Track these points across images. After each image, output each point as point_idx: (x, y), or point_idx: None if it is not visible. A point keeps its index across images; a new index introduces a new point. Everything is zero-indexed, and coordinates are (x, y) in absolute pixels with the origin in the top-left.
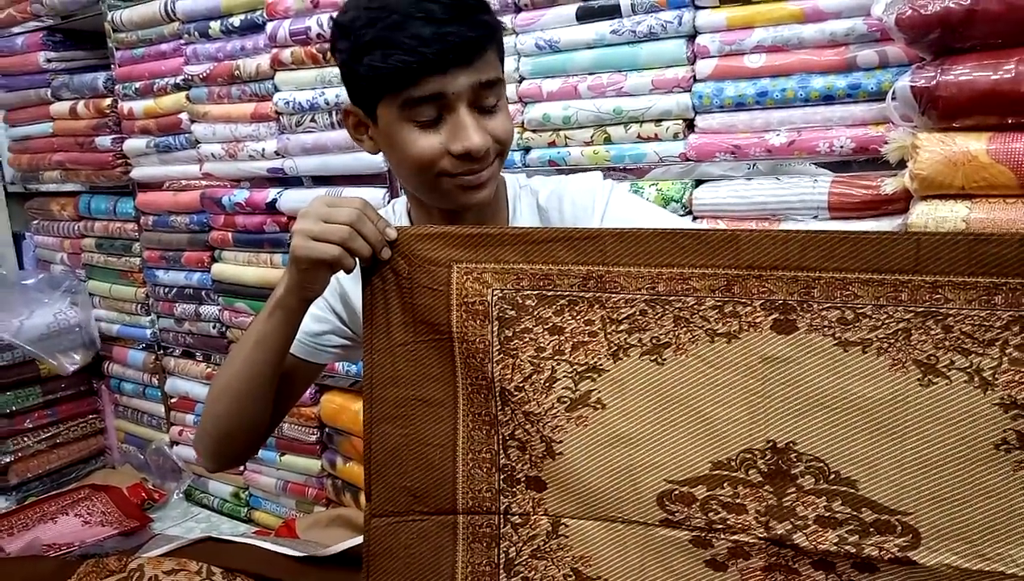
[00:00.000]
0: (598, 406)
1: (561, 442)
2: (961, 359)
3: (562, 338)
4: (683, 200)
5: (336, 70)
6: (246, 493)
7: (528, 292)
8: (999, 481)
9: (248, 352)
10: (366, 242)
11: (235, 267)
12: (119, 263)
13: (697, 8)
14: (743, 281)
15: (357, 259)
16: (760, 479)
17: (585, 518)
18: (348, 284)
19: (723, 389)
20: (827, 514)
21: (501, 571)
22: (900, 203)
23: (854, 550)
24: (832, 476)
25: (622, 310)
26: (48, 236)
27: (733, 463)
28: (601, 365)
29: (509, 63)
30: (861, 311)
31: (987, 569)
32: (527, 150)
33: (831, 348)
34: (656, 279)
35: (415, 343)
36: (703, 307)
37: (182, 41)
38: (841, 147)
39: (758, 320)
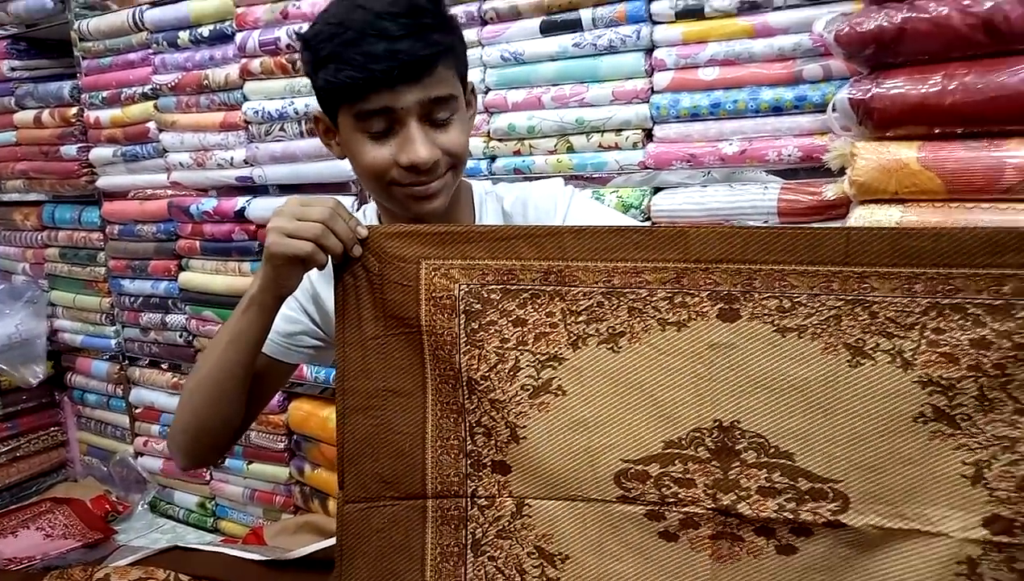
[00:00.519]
0: (559, 393)
1: (524, 427)
2: (885, 342)
3: (525, 329)
4: (642, 206)
5: (305, 80)
6: (212, 503)
7: (493, 287)
8: (917, 450)
9: (223, 349)
10: (338, 239)
11: (203, 276)
12: (83, 273)
13: (654, 23)
14: (691, 274)
15: (329, 257)
16: (708, 455)
17: (547, 498)
18: (320, 286)
19: (673, 374)
20: (768, 485)
21: (468, 551)
22: (842, 208)
23: (791, 516)
24: (772, 450)
25: (581, 302)
26: (10, 246)
27: (683, 442)
28: (561, 354)
29: (475, 74)
30: (797, 300)
31: (906, 528)
32: (493, 159)
33: (770, 334)
34: (612, 273)
35: (385, 336)
36: (655, 298)
37: (150, 51)
38: (789, 156)
39: (705, 310)
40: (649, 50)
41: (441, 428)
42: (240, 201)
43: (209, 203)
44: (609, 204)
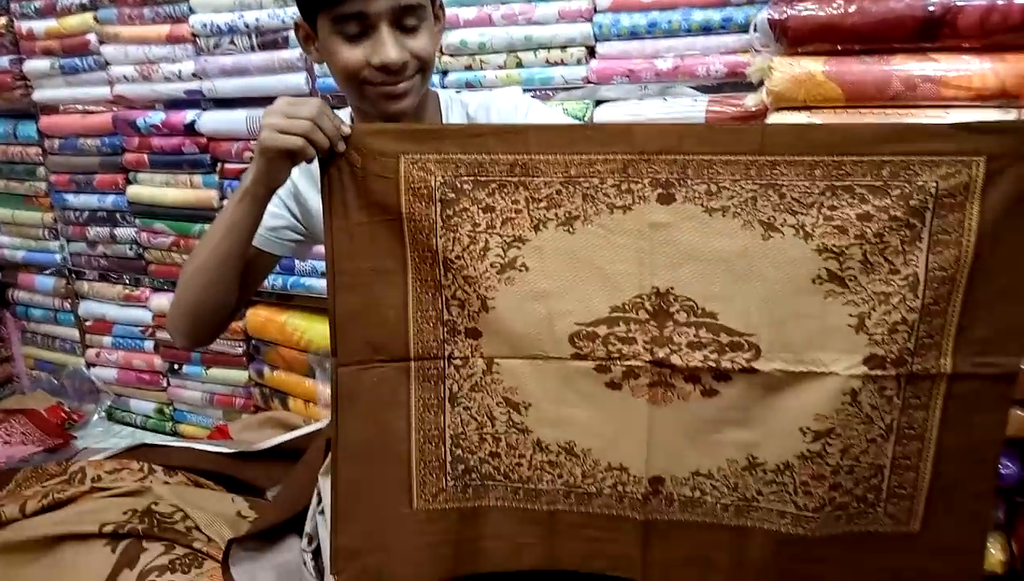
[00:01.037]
0: (523, 269)
1: (493, 299)
2: (791, 218)
3: (493, 215)
4: (585, 118)
5: None
6: (170, 408)
7: (465, 178)
8: (815, 306)
9: (220, 236)
10: (325, 136)
11: (152, 189)
12: (22, 188)
13: None
14: (635, 164)
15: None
16: (647, 317)
17: (513, 357)
18: (302, 185)
19: (619, 250)
20: (696, 339)
21: (447, 403)
22: (760, 117)
23: (714, 365)
24: (700, 311)
25: (542, 190)
26: None
27: (627, 306)
28: (525, 236)
29: None
30: (722, 185)
31: (804, 371)
32: (445, 73)
33: (700, 214)
34: (568, 165)
35: (369, 223)
36: (605, 186)
37: None
38: (716, 71)
39: (646, 194)
40: None
41: (421, 301)
42: (190, 114)
43: (157, 116)
44: None
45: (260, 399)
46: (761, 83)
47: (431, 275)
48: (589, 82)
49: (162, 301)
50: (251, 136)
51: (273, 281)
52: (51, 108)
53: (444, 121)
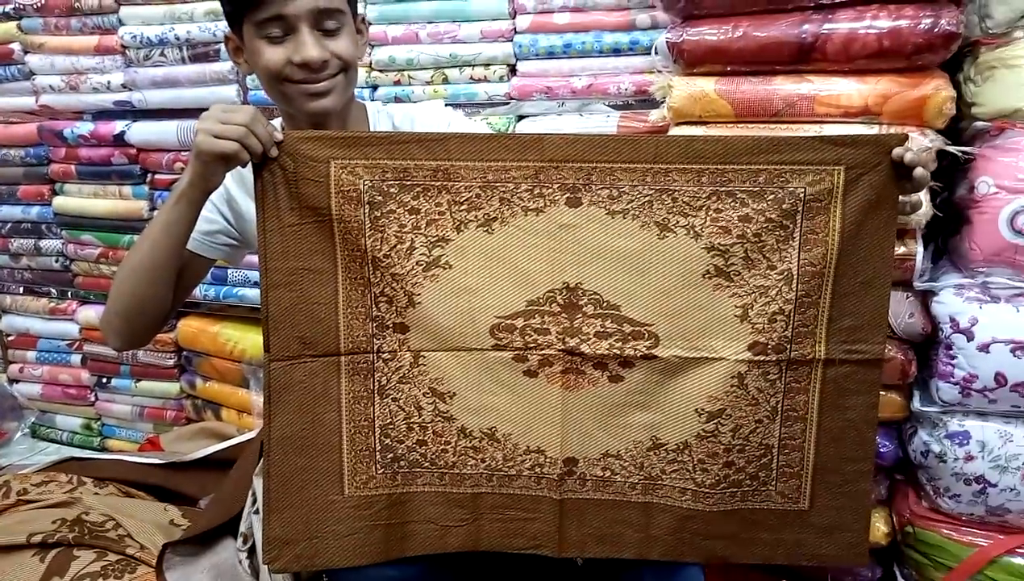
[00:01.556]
0: (446, 266)
1: (419, 295)
2: (683, 220)
3: (418, 217)
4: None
5: (186, 7)
6: (98, 423)
7: (391, 182)
8: (705, 298)
9: (155, 237)
10: (259, 141)
11: (80, 200)
12: None
13: None
14: (546, 170)
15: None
16: (559, 309)
17: (438, 350)
18: (234, 191)
19: (533, 249)
20: (602, 330)
21: (376, 395)
22: (664, 131)
23: (619, 352)
24: (605, 304)
25: (463, 194)
26: None
27: (540, 300)
28: (448, 236)
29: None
30: (622, 190)
31: (697, 356)
32: (375, 88)
33: (603, 216)
34: (487, 170)
35: (301, 224)
36: (519, 190)
37: None
38: (625, 89)
39: (556, 198)
40: None
41: (351, 298)
42: (119, 125)
43: (85, 127)
44: None
45: (192, 411)
46: (664, 100)
47: (360, 274)
48: (511, 98)
49: (90, 314)
50: (182, 147)
51: (206, 291)
52: None
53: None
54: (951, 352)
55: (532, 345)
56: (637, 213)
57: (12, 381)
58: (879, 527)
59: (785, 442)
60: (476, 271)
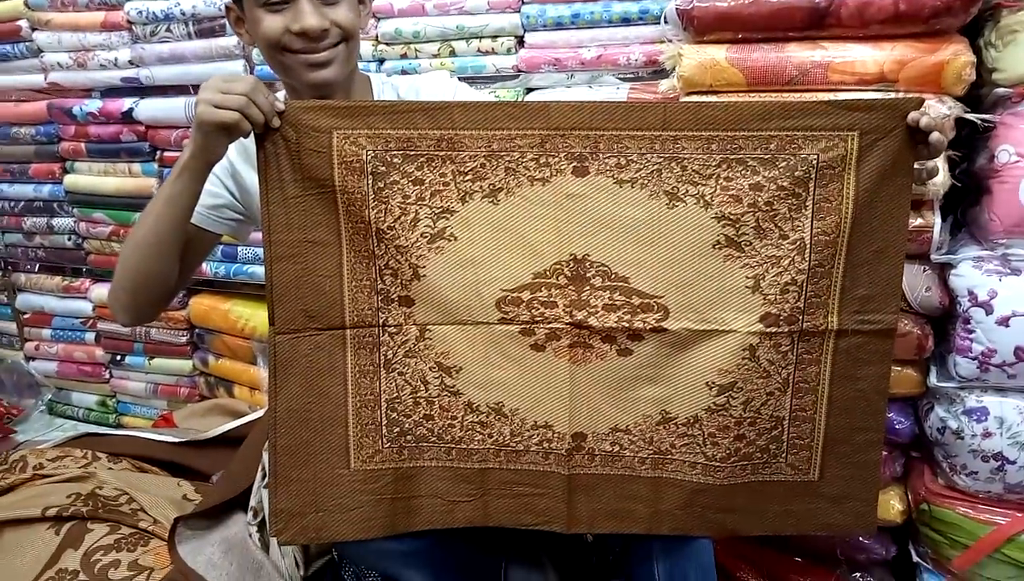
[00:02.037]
0: (451, 238)
1: (424, 267)
2: (692, 188)
3: (422, 187)
4: None
5: None
6: (113, 400)
7: (395, 152)
8: (715, 269)
9: (159, 211)
10: (260, 111)
11: (90, 178)
12: None
13: None
14: (552, 139)
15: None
16: (566, 282)
17: (444, 323)
18: (239, 164)
19: (539, 220)
20: (610, 302)
21: (381, 369)
22: (674, 100)
23: (628, 325)
24: (613, 276)
25: (467, 164)
26: None
27: (547, 272)
28: (453, 207)
29: None
30: (630, 158)
31: (708, 329)
32: (381, 61)
33: (611, 185)
34: (491, 140)
35: (304, 196)
36: (525, 160)
37: None
38: (635, 60)
39: (562, 167)
40: None
41: (355, 271)
42: (127, 102)
43: (93, 104)
44: None
45: (205, 388)
46: (674, 70)
47: (364, 246)
48: (519, 71)
49: (102, 291)
50: (190, 123)
51: (216, 269)
52: None
53: None
54: (969, 326)
55: (539, 318)
56: (645, 182)
57: (28, 358)
58: (894, 505)
59: (796, 414)
60: (481, 243)
